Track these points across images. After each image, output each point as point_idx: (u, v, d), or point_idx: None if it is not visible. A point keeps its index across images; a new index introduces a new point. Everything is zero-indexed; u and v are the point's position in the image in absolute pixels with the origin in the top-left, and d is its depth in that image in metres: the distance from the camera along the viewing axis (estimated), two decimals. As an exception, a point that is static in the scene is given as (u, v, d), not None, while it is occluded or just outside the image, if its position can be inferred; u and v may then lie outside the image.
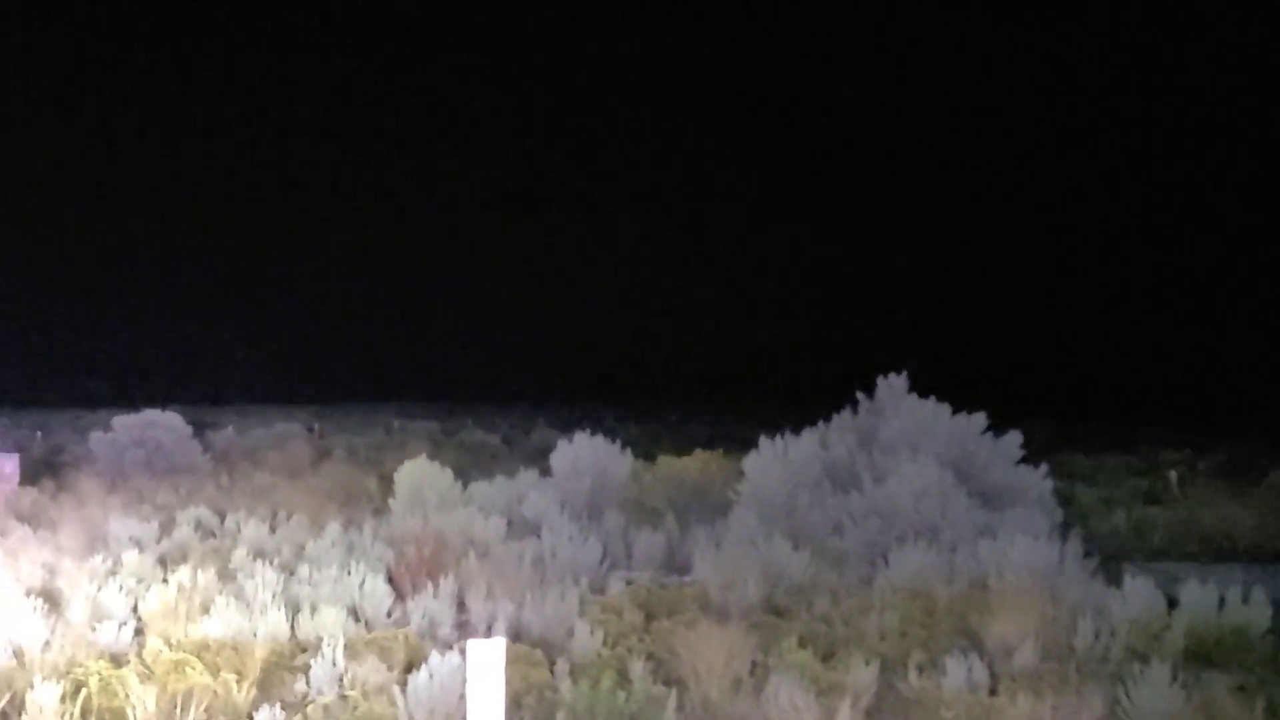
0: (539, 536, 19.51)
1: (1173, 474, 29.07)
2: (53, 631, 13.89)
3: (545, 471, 23.97)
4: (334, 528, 20.13)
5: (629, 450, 24.60)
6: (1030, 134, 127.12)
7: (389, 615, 15.51)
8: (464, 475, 24.55)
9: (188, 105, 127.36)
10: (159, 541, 19.90)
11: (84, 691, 11.65)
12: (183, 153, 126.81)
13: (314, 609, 14.77)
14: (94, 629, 14.21)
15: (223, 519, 22.02)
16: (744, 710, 11.80)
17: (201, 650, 12.82)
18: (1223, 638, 14.08)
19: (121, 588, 15.80)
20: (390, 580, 16.52)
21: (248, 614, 14.50)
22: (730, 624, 13.87)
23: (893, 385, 22.08)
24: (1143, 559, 20.48)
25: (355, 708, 11.71)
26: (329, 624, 14.22)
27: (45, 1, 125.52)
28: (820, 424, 22.26)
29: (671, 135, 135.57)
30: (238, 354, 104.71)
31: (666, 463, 24.94)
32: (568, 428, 32.41)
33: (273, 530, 20.75)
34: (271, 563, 17.28)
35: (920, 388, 21.95)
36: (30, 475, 28.71)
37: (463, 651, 12.23)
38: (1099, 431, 49.25)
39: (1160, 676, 11.74)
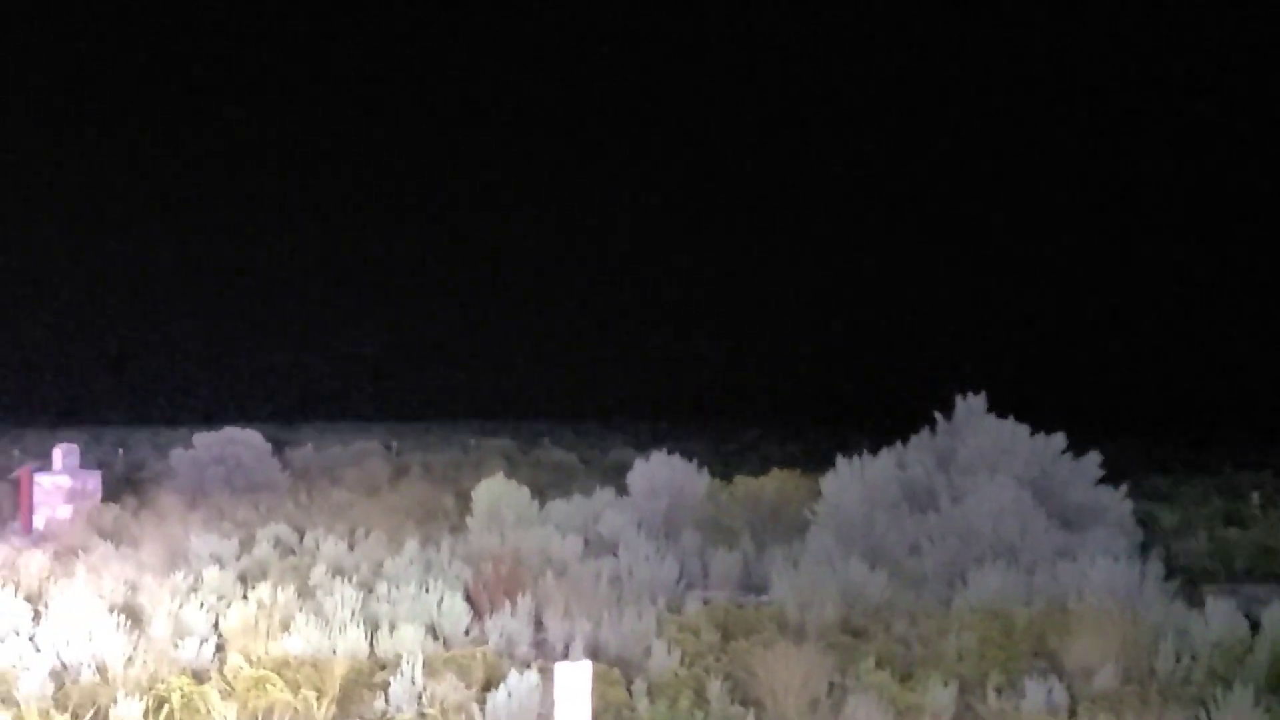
0: (616, 555, 19.53)
1: (1255, 495, 28.77)
2: (135, 647, 14.01)
3: (622, 490, 23.99)
4: (412, 545, 20.20)
5: (706, 470, 24.57)
6: (1110, 151, 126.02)
7: (467, 633, 15.55)
8: (541, 494, 24.60)
9: (276, 132, 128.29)
10: (239, 558, 20.05)
11: (166, 707, 11.76)
12: (257, 175, 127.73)
13: (393, 626, 14.84)
14: (176, 645, 14.33)
15: (302, 536, 22.16)
16: (822, 731, 11.77)
17: (282, 667, 12.91)
18: (1307, 661, 13.91)
19: (202, 604, 15.93)
20: (468, 598, 16.56)
21: (327, 631, 14.58)
22: (807, 644, 13.84)
23: (971, 405, 21.96)
24: (1224, 581, 20.26)
25: (434, 725, 11.77)
26: (408, 642, 14.28)
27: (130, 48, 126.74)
28: (898, 444, 22.15)
29: (750, 157, 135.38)
30: (317, 372, 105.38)
31: (743, 482, 24.89)
32: (644, 447, 32.41)
33: (351, 548, 20.86)
34: (350, 580, 17.38)
35: (999, 408, 21.81)
36: (113, 492, 29.01)
37: (541, 670, 12.29)
38: (1180, 452, 48.76)
39: (1243, 700, 11.62)
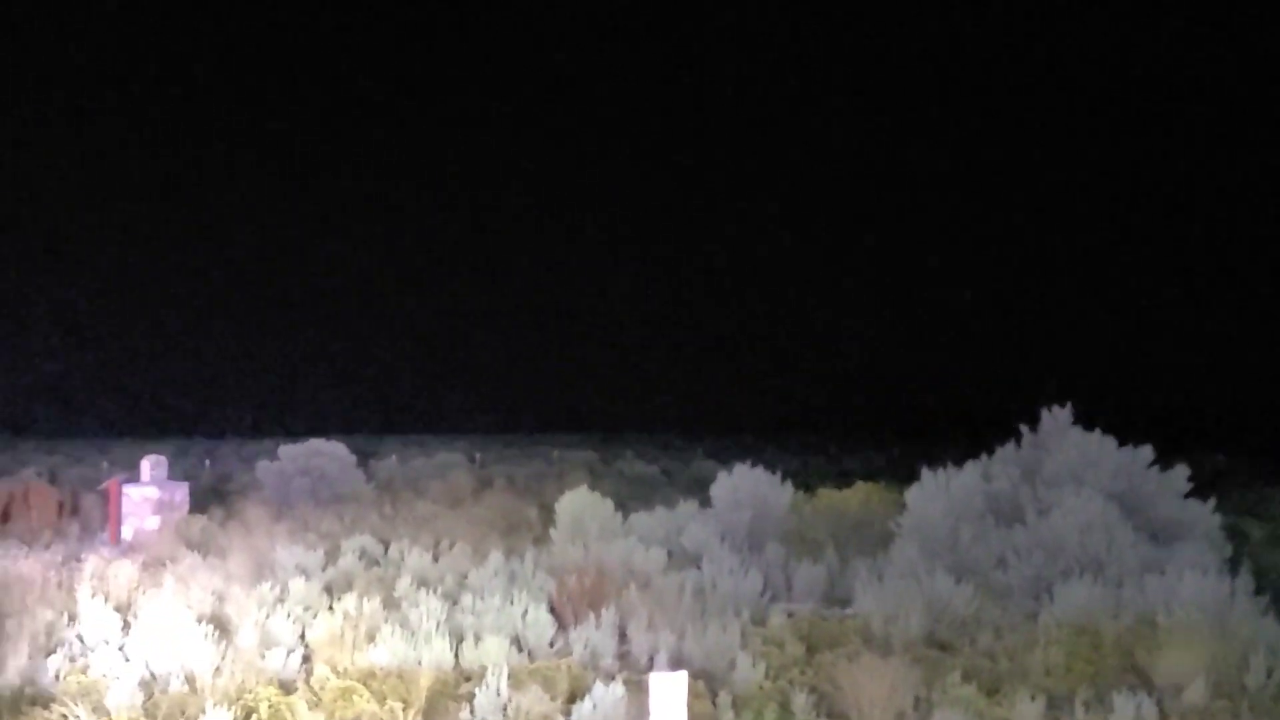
0: (699, 568, 19.51)
1: (1346, 508, 28.37)
2: (223, 658, 14.13)
3: (705, 503, 23.92)
4: (496, 557, 20.25)
5: (789, 482, 24.48)
6: (1196, 157, 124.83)
7: (551, 645, 15.57)
8: (624, 506, 24.58)
9: (360, 148, 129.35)
10: (325, 569, 20.15)
11: (254, 717, 11.86)
12: (334, 190, 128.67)
13: (477, 638, 14.89)
14: (263, 656, 14.43)
15: (386, 548, 22.26)
16: (908, 745, 11.71)
17: (368, 678, 12.98)
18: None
19: (289, 615, 16.03)
20: (552, 610, 16.58)
21: (412, 642, 14.63)
22: (893, 658, 13.77)
23: (1057, 417, 21.79)
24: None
25: (519, 737, 11.79)
26: (492, 653, 14.33)
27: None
28: (983, 456, 22.02)
29: (837, 168, 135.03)
30: (400, 384, 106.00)
31: (827, 495, 24.82)
32: (727, 459, 32.35)
33: (436, 559, 20.94)
34: (435, 591, 17.45)
35: (1085, 420, 21.63)
36: (200, 503, 29.27)
37: (625, 683, 12.29)
38: (1269, 464, 48.16)
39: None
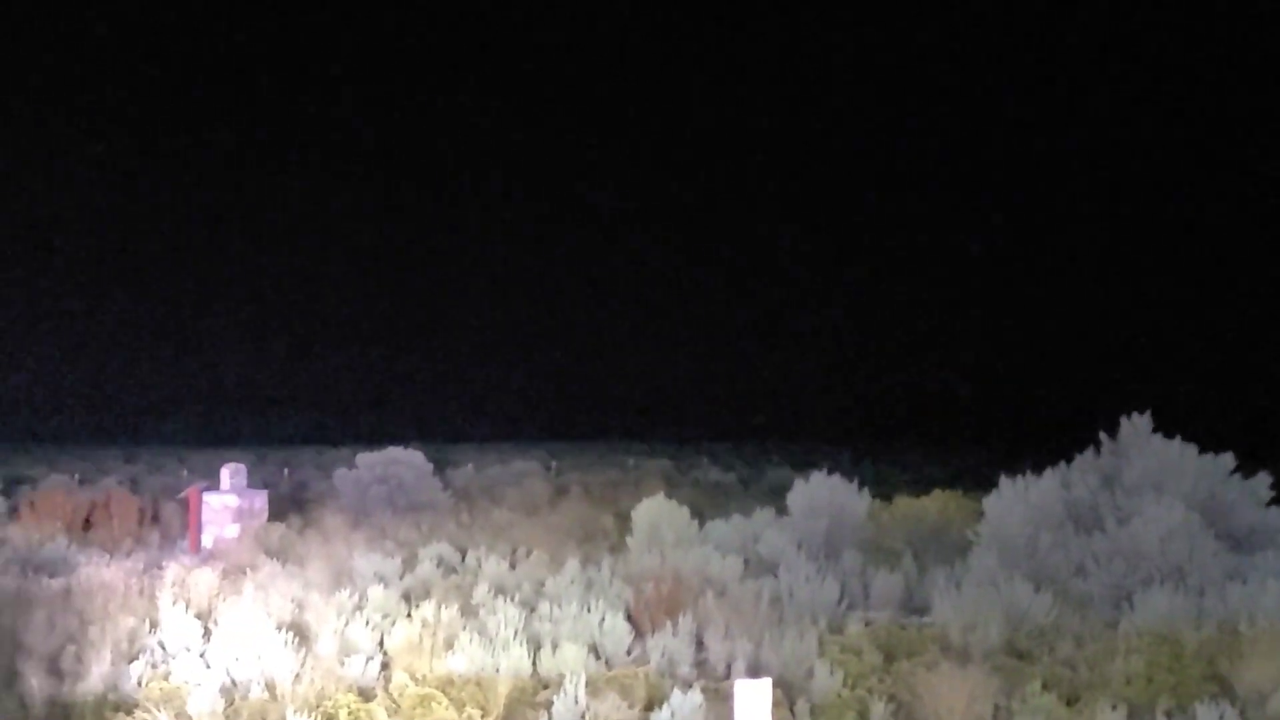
0: (776, 576, 19.44)
1: None
2: (303, 665, 14.22)
3: (782, 510, 23.87)
4: (572, 565, 20.27)
5: (866, 490, 24.39)
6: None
7: (629, 653, 15.57)
8: (700, 514, 24.56)
9: (443, 159, 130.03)
10: (402, 577, 20.24)
11: (334, 724, 11.92)
12: (431, 195, 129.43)
13: (555, 646, 14.91)
14: (342, 663, 14.52)
15: (463, 555, 22.34)
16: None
17: (446, 685, 13.03)
18: None
19: (368, 622, 16.12)
20: (629, 618, 16.58)
21: (490, 650, 14.68)
22: (971, 666, 13.70)
23: (1137, 425, 21.63)
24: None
25: (597, 745, 11.80)
26: (570, 661, 14.34)
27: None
28: (1061, 464, 21.88)
29: (906, 177, 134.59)
30: (476, 392, 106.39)
31: (904, 503, 24.71)
32: (803, 466, 32.24)
33: (513, 567, 21.00)
34: (512, 599, 17.49)
35: (1166, 428, 21.45)
36: (278, 511, 29.45)
37: (704, 690, 12.28)
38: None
39: None
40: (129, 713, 13.00)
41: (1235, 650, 14.05)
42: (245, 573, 20.38)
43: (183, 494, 29.10)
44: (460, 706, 12.51)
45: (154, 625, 16.32)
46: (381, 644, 15.60)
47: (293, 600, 17.80)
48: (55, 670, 14.31)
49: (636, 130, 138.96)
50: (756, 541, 22.09)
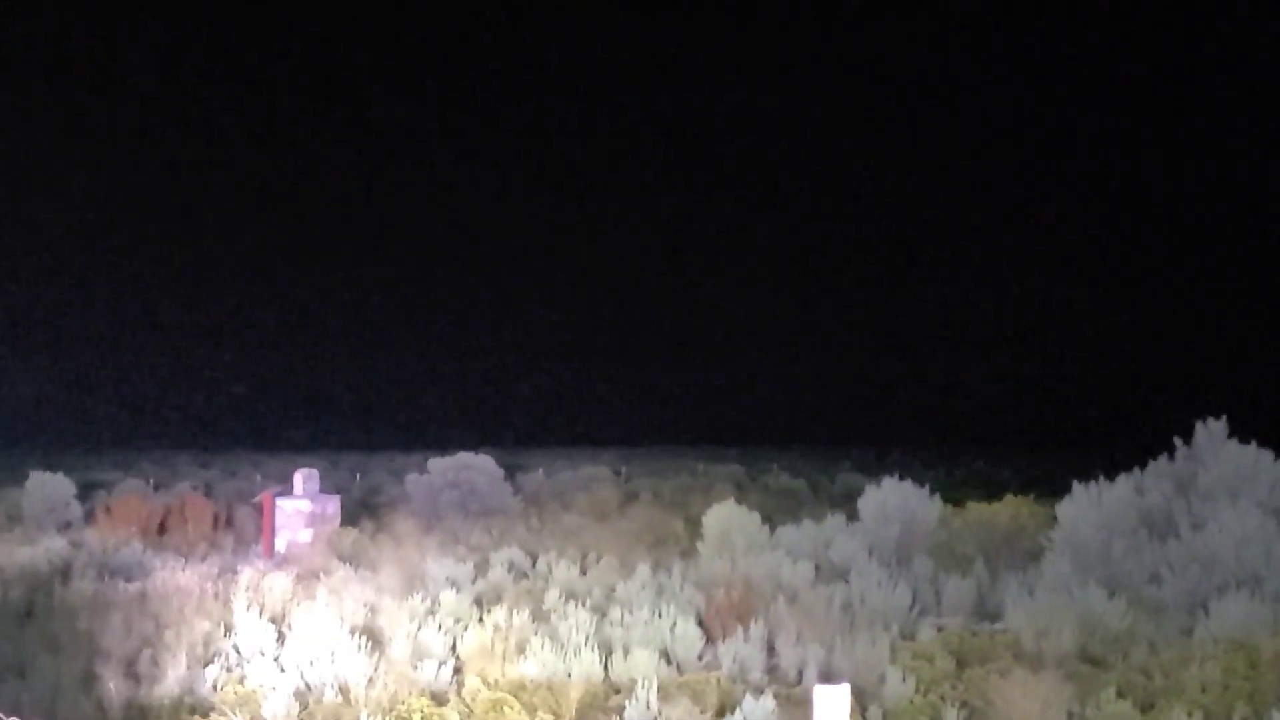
0: (847, 582, 19.38)
1: None
2: (376, 669, 14.30)
3: (853, 516, 23.78)
4: (643, 570, 20.29)
5: (937, 495, 24.27)
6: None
7: (700, 658, 15.57)
8: (770, 519, 24.49)
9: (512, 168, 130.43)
10: (474, 582, 20.32)
11: (407, 728, 11.99)
12: (496, 195, 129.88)
13: (626, 651, 14.93)
14: (415, 667, 14.59)
15: (534, 560, 22.42)
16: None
17: (518, 690, 13.09)
18: None
19: (440, 627, 16.20)
20: (700, 623, 16.58)
21: (562, 655, 14.71)
22: (1045, 673, 13.62)
23: (1212, 430, 21.43)
24: None
25: (669, 750, 11.81)
26: (641, 666, 14.35)
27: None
28: (1135, 470, 21.71)
29: (980, 176, 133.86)
30: (546, 398, 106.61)
31: (976, 508, 24.55)
32: (873, 472, 32.14)
33: (583, 572, 21.04)
34: (583, 604, 17.54)
35: (1241, 433, 21.25)
36: (351, 516, 29.64)
37: (776, 696, 12.28)
38: None
39: None
40: (204, 715, 13.14)
41: (1313, 658, 13.92)
42: (318, 577, 20.52)
43: (256, 499, 29.33)
44: (532, 711, 12.55)
45: (229, 629, 16.47)
46: (454, 648, 15.67)
47: (365, 605, 17.91)
48: (132, 673, 14.48)
49: (711, 135, 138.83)
50: (827, 547, 22.02)
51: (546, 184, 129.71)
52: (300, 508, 27.68)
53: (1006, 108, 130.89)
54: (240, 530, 28.17)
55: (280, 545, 26.81)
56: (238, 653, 15.67)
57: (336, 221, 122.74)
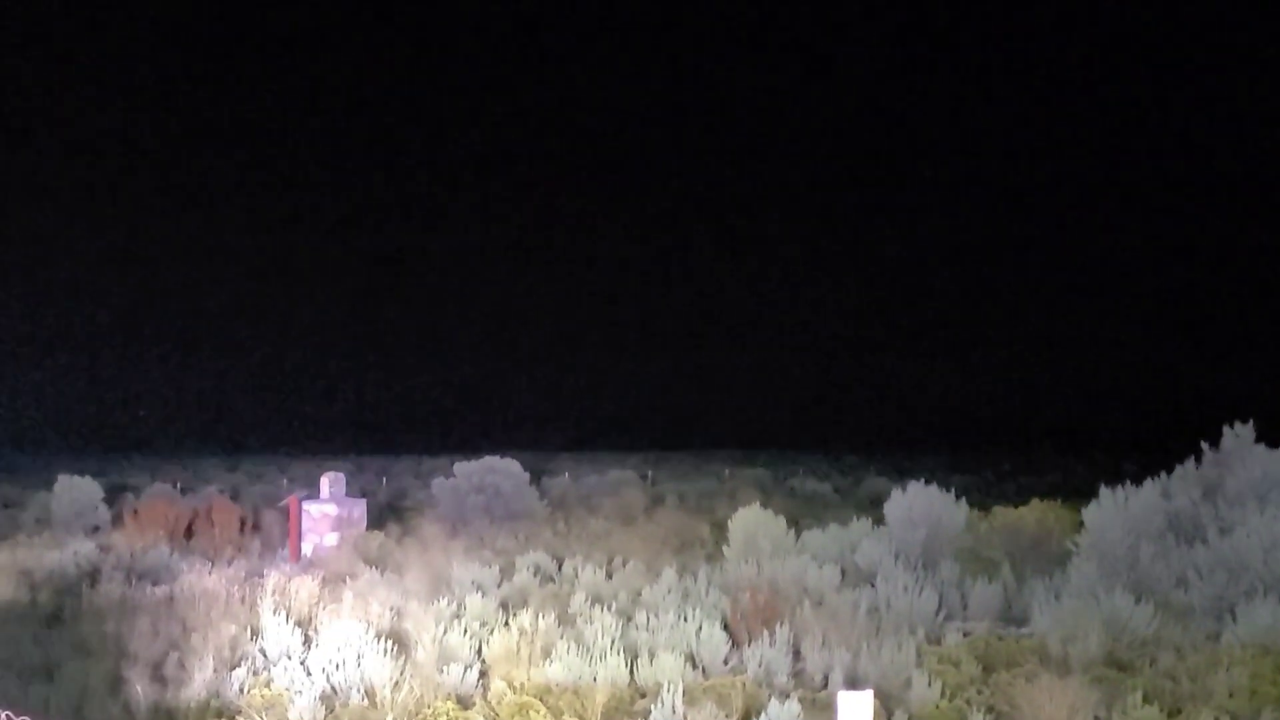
0: (873, 586, 19.34)
1: None
2: (402, 672, 14.30)
3: (879, 520, 23.73)
4: (669, 574, 20.29)
5: (963, 500, 24.22)
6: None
7: (725, 662, 15.54)
8: (796, 523, 24.47)
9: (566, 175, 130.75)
10: (500, 586, 20.35)
11: (433, 732, 11.99)
12: (528, 207, 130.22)
13: (652, 655, 14.91)
14: (441, 671, 14.58)
15: (560, 564, 22.43)
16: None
17: (544, 694, 13.09)
18: None
19: (466, 631, 16.19)
20: (726, 627, 16.56)
21: (587, 659, 14.70)
22: (1071, 678, 13.57)
23: (1239, 434, 21.35)
24: None
25: (695, 754, 11.80)
26: (667, 670, 14.34)
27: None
28: (1162, 474, 21.63)
29: (1008, 180, 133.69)
30: (572, 403, 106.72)
31: (1002, 513, 24.49)
32: (899, 476, 32.08)
33: (609, 576, 21.04)
34: (609, 608, 17.54)
35: (1269, 437, 21.17)
36: (377, 520, 29.73)
37: (802, 701, 12.26)
38: None
39: None
40: (231, 719, 13.16)
41: (1340, 663, 13.86)
42: (344, 581, 20.56)
43: (283, 503, 29.42)
44: (558, 715, 12.56)
45: (255, 632, 16.50)
46: (479, 652, 15.67)
47: (391, 608, 17.93)
48: (159, 676, 14.52)
49: (749, 137, 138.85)
50: (853, 551, 21.97)
51: (577, 187, 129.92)
52: (326, 511, 27.75)
53: (1049, 110, 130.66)
54: (267, 534, 28.25)
55: (306, 549, 26.88)
56: (264, 656, 15.69)
57: (365, 226, 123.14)
